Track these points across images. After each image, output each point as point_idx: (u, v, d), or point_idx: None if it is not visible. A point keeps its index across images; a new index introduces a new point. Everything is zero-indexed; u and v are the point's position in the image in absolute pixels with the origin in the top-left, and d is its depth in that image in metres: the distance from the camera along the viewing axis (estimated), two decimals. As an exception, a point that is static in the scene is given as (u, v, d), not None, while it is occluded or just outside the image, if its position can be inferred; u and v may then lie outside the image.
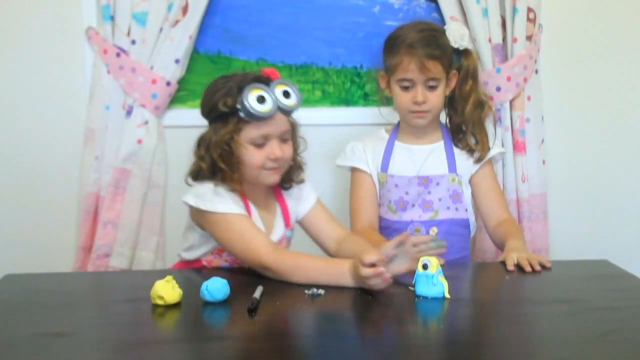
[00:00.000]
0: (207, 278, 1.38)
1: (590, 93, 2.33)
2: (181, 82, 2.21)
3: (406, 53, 1.78)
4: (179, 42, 2.14)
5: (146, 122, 2.15)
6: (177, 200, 2.02)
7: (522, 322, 1.34)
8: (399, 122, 1.94)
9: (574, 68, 2.31)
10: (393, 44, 1.83)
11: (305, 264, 1.49)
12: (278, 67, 2.28)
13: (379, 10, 2.28)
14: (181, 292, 1.37)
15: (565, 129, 2.34)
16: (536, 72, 2.23)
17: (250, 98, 1.52)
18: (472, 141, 1.88)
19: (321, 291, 1.43)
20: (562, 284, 1.56)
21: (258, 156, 1.57)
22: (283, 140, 1.60)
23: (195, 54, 2.24)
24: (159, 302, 1.35)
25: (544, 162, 2.27)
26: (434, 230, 1.85)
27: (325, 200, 2.32)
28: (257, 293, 1.39)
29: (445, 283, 1.40)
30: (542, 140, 2.26)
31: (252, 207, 1.62)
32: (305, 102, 2.31)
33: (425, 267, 1.40)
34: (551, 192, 2.30)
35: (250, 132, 1.55)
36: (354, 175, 1.93)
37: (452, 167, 1.87)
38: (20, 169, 2.20)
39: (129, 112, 2.16)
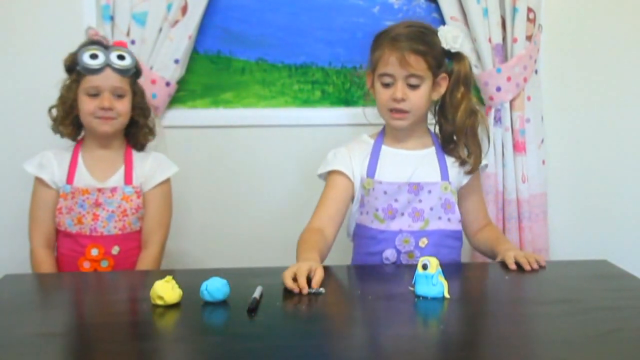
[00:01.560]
0: (206, 278, 1.38)
1: (590, 93, 2.33)
2: (181, 82, 2.21)
3: (388, 46, 1.71)
4: (179, 42, 2.14)
5: (146, 122, 2.15)
6: (177, 199, 2.02)
7: (522, 322, 1.34)
8: (384, 126, 1.84)
9: (574, 68, 2.31)
10: (378, 39, 1.77)
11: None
12: (278, 67, 2.29)
13: (379, 10, 2.28)
14: (181, 292, 1.37)
15: (565, 129, 2.34)
16: (536, 72, 2.23)
17: (85, 55, 1.82)
18: (464, 152, 1.78)
19: (322, 289, 1.43)
20: (562, 284, 1.56)
21: (89, 104, 1.83)
22: (118, 96, 1.84)
23: (195, 54, 2.24)
24: (159, 302, 1.35)
25: (544, 162, 2.27)
26: (423, 242, 1.74)
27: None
28: (257, 293, 1.39)
29: (445, 283, 1.40)
30: (542, 140, 2.26)
31: (80, 158, 1.89)
32: (305, 102, 2.32)
33: (425, 267, 1.40)
34: (551, 192, 2.30)
35: (84, 83, 1.83)
36: (329, 177, 1.80)
37: (444, 175, 1.77)
38: (20, 168, 2.20)
39: (128, 112, 2.16)
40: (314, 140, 2.29)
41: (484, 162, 1.84)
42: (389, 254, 1.74)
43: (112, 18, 2.13)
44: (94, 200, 1.84)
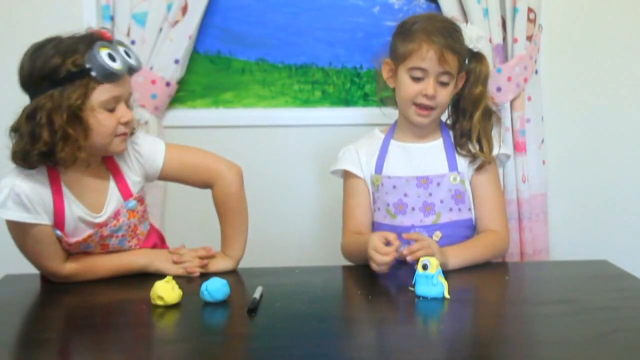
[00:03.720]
0: (207, 278, 1.38)
1: (590, 93, 2.33)
2: (181, 82, 2.21)
3: (425, 40, 1.64)
4: (179, 42, 2.14)
5: (146, 123, 2.15)
6: (177, 200, 2.02)
7: (522, 322, 1.34)
8: (396, 121, 1.82)
9: (574, 68, 2.31)
10: (409, 30, 1.68)
11: (96, 262, 1.55)
12: (278, 67, 2.29)
13: (379, 10, 2.28)
14: (181, 292, 1.37)
15: (565, 129, 2.34)
16: (536, 72, 2.23)
17: (103, 55, 1.39)
18: (476, 147, 1.74)
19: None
20: (562, 284, 1.55)
21: (110, 121, 1.43)
22: (127, 104, 1.48)
23: (195, 54, 2.24)
24: (159, 302, 1.35)
25: (544, 162, 2.27)
26: (437, 235, 1.72)
27: (326, 202, 2.32)
28: (257, 293, 1.39)
29: (445, 283, 1.40)
30: (542, 140, 2.26)
31: (65, 189, 1.47)
32: (305, 102, 2.32)
33: (425, 267, 1.40)
34: (551, 192, 2.30)
35: (102, 95, 1.41)
36: (346, 181, 1.81)
37: (452, 165, 1.74)
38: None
39: (128, 112, 2.16)
40: (314, 141, 2.29)
41: (504, 150, 1.79)
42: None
43: (112, 18, 2.13)
44: (98, 238, 1.53)
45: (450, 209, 1.73)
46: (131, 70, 1.47)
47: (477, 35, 1.72)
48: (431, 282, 1.39)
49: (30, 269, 1.70)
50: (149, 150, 1.58)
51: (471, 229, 1.78)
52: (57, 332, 1.25)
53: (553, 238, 2.30)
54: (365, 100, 2.32)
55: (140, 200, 1.57)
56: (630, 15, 2.31)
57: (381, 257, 1.51)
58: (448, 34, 1.66)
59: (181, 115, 2.26)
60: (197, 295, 1.37)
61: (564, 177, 2.35)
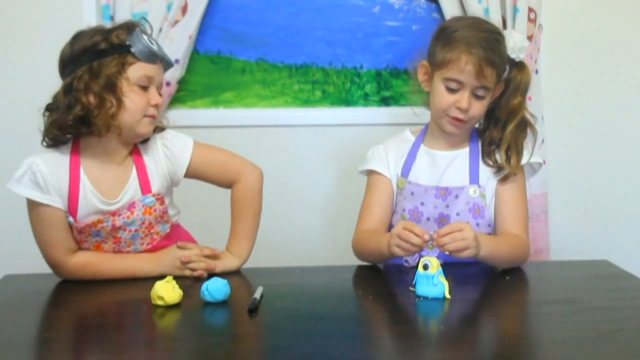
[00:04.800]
0: (207, 278, 1.38)
1: (590, 93, 2.33)
2: (181, 82, 2.21)
3: (465, 51, 1.58)
4: (179, 42, 2.14)
5: (146, 122, 2.15)
6: (177, 200, 2.02)
7: (522, 322, 1.34)
8: (427, 124, 1.76)
9: (574, 68, 2.31)
10: (450, 37, 1.62)
11: (102, 263, 1.54)
12: (278, 67, 2.29)
13: (379, 10, 2.28)
14: (181, 292, 1.37)
15: (565, 129, 2.34)
16: (536, 72, 2.23)
17: (144, 38, 1.49)
18: (503, 157, 1.67)
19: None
20: (562, 284, 1.56)
21: (141, 98, 1.49)
22: (158, 90, 1.54)
23: (195, 54, 2.24)
24: (159, 302, 1.35)
25: (544, 162, 2.26)
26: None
27: (326, 202, 2.32)
28: (257, 293, 1.39)
29: (445, 283, 1.40)
30: (542, 140, 2.26)
31: (82, 173, 1.50)
32: (305, 102, 2.32)
33: (425, 267, 1.40)
34: (551, 192, 2.30)
35: (137, 71, 1.48)
36: (370, 178, 1.76)
37: (474, 177, 1.67)
38: (19, 168, 2.20)
39: (129, 112, 2.16)
40: (314, 141, 2.29)
41: (537, 159, 1.73)
42: (410, 258, 1.65)
43: (112, 18, 2.13)
44: (110, 227, 1.53)
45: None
46: (164, 62, 1.54)
47: (520, 45, 1.66)
48: (432, 282, 1.39)
49: (30, 269, 1.70)
50: (178, 145, 1.60)
51: None
52: (57, 332, 1.25)
53: (553, 238, 2.30)
54: (366, 100, 2.32)
55: (160, 199, 1.57)
56: (631, 15, 2.31)
57: (416, 237, 1.47)
58: (489, 46, 1.59)
59: (181, 115, 2.25)
60: (198, 295, 1.37)
61: (564, 177, 2.35)
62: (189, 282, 1.49)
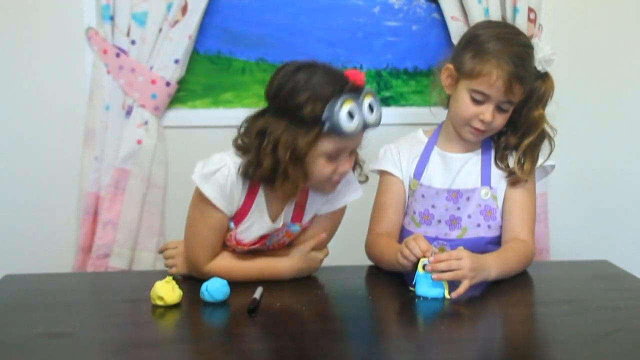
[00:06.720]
0: (207, 279, 1.38)
1: (591, 93, 2.33)
2: (181, 82, 2.20)
3: (495, 65, 1.55)
4: (179, 42, 2.14)
5: (146, 123, 2.15)
6: (177, 200, 2.01)
7: (523, 322, 1.34)
8: (440, 125, 1.73)
9: (574, 68, 2.31)
10: (481, 48, 1.58)
11: (235, 267, 1.51)
12: (278, 67, 2.28)
13: (379, 10, 2.28)
14: (181, 292, 1.37)
15: (565, 129, 2.33)
16: (536, 72, 2.23)
17: (342, 113, 1.37)
18: (516, 163, 1.65)
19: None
20: (563, 284, 1.56)
21: (328, 169, 1.44)
22: (351, 154, 1.48)
23: (195, 54, 2.24)
24: (159, 302, 1.35)
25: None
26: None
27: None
28: (257, 293, 1.38)
29: (445, 284, 1.40)
30: (542, 141, 2.26)
31: (261, 195, 1.50)
32: (305, 102, 2.31)
33: (425, 267, 1.40)
34: (551, 192, 2.29)
35: (328, 145, 1.41)
36: (382, 178, 1.73)
37: (486, 179, 1.66)
38: (20, 168, 2.20)
39: (128, 112, 2.16)
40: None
41: (550, 162, 1.72)
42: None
43: (112, 18, 2.13)
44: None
45: (478, 225, 1.66)
46: (366, 126, 1.43)
47: (548, 57, 1.64)
48: (432, 282, 1.39)
49: (30, 269, 1.70)
50: (349, 191, 1.57)
51: (499, 245, 1.67)
52: (57, 333, 1.25)
53: (553, 238, 2.29)
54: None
55: (304, 229, 1.58)
56: (631, 15, 2.31)
57: (418, 249, 1.44)
58: (521, 62, 1.57)
59: (181, 115, 2.25)
60: (197, 296, 1.37)
61: (564, 177, 2.34)
62: (189, 282, 1.48)
